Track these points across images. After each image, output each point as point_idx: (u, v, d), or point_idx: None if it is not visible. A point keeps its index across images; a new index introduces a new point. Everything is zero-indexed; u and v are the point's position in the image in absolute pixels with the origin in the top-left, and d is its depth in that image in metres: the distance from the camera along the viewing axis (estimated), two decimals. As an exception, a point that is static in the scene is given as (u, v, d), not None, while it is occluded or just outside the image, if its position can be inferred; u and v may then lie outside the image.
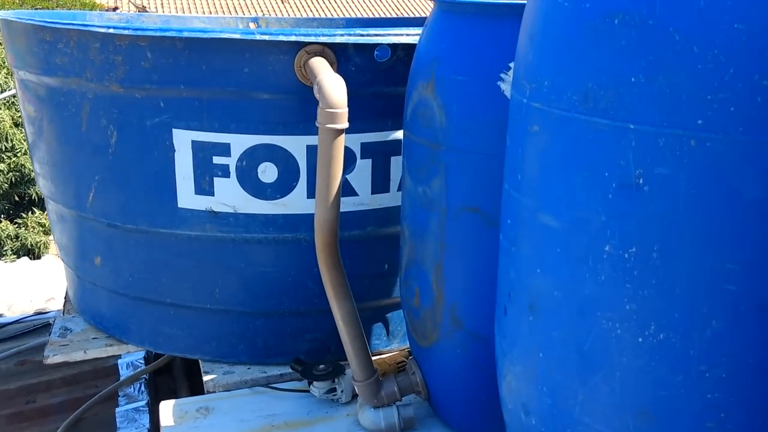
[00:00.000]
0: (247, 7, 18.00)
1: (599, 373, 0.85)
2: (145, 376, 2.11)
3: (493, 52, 1.30)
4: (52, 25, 1.69)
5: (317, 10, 18.60)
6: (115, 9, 16.10)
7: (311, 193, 1.71)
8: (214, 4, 17.85)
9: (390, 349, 2.00)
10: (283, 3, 18.34)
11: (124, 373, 2.13)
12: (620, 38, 0.76)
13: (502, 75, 1.29)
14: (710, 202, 0.73)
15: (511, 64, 1.28)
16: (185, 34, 1.58)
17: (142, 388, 2.03)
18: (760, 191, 0.71)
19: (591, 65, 0.80)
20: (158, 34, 1.59)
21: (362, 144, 1.75)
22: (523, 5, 1.23)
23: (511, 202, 0.97)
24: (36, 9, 13.95)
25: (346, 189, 1.73)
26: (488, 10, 1.31)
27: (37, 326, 2.98)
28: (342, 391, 1.73)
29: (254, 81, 1.64)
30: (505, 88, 1.29)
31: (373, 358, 1.71)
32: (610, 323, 0.83)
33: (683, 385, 0.80)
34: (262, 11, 18.00)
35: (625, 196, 0.78)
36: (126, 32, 1.60)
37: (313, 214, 1.60)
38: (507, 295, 1.00)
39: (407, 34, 1.67)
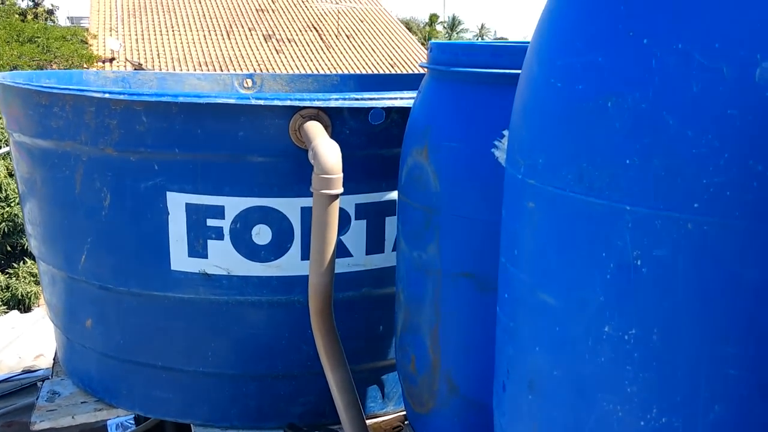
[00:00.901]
0: (242, 58, 18.26)
1: (601, 456, 0.83)
2: (134, 439, 2.06)
3: (487, 120, 1.31)
4: (48, 90, 1.70)
5: (311, 61, 18.87)
6: (111, 60, 16.29)
7: (305, 255, 1.70)
8: (210, 54, 18.10)
9: (385, 411, 1.96)
10: (278, 53, 18.60)
11: (114, 435, 2.08)
12: (614, 120, 0.77)
13: (496, 143, 1.30)
14: (709, 286, 0.73)
15: (505, 132, 1.29)
16: (181, 99, 1.59)
17: (132, 451, 1.99)
18: (758, 275, 0.71)
19: (585, 145, 0.80)
20: (153, 99, 1.60)
21: (357, 205, 1.75)
22: (513, 75, 1.24)
23: (508, 277, 0.97)
24: (34, 60, 14.11)
25: (341, 250, 1.73)
26: (480, 79, 1.32)
27: (25, 386, 2.94)
28: (336, 458, 1.70)
29: (249, 144, 1.64)
30: (499, 155, 1.29)
31: (369, 422, 1.68)
32: (612, 405, 0.81)
33: (687, 469, 0.78)
34: (257, 61, 18.24)
35: (624, 278, 0.77)
36: (121, 97, 1.61)
37: (307, 276, 1.59)
38: (506, 372, 0.98)
39: (401, 98, 1.68)
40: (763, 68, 0.68)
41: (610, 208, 0.78)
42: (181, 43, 18.54)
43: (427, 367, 1.46)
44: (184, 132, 1.64)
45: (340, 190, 1.49)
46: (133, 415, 2.13)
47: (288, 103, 1.59)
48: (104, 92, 1.63)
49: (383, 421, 1.82)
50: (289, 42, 19.64)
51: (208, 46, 18.58)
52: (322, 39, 20.18)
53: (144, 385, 1.91)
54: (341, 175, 1.48)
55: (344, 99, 1.63)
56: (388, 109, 1.68)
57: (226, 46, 18.72)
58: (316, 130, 1.55)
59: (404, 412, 1.82)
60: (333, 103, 1.61)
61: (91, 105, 1.66)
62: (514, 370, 0.96)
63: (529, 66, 0.93)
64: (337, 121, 1.65)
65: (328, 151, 1.48)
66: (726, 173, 0.70)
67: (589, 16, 0.82)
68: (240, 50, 18.70)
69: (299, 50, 19.38)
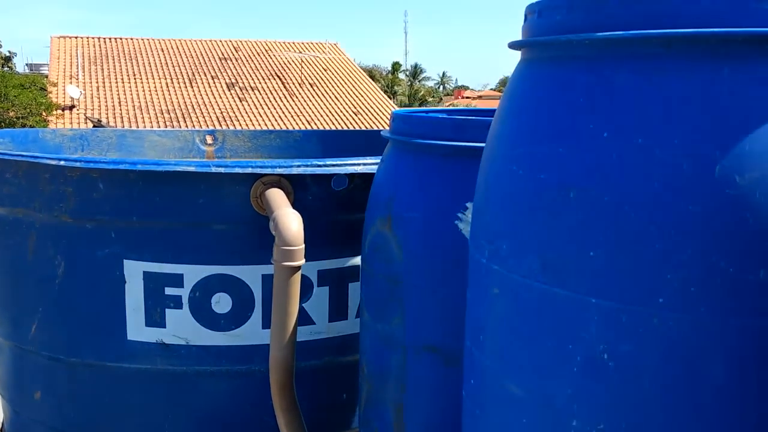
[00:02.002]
0: (205, 106, 18.24)
1: None
2: None
3: (450, 192, 1.31)
4: (0, 156, 1.65)
5: (274, 109, 18.93)
6: (71, 108, 16.12)
7: (267, 324, 1.66)
8: (172, 102, 18.05)
9: (349, 482, 1.91)
10: (241, 101, 18.64)
11: None
12: (577, 212, 0.76)
13: (460, 215, 1.29)
14: (676, 382, 0.72)
15: (468, 204, 1.28)
16: (139, 167, 1.56)
17: None
18: (724, 371, 0.70)
19: (548, 235, 0.79)
20: (111, 166, 1.57)
21: (319, 271, 1.72)
22: (477, 148, 1.24)
23: (473, 362, 0.95)
24: (-9, 108, 13.87)
25: (303, 318, 1.69)
26: (442, 151, 1.32)
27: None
28: None
29: (209, 212, 1.62)
30: (463, 227, 1.29)
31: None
32: (580, 501, 0.79)
33: None
34: (219, 109, 18.24)
35: (591, 371, 0.76)
36: (78, 165, 1.57)
37: (268, 345, 1.55)
38: (472, 460, 0.95)
39: (364, 164, 1.67)
40: (723, 165, 0.69)
41: (576, 300, 0.77)
42: (143, 90, 18.48)
43: (392, 442, 1.42)
44: (142, 199, 1.61)
45: (302, 261, 1.46)
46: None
47: (249, 170, 1.57)
48: (60, 159, 1.59)
49: (347, 493, 1.77)
50: (253, 90, 19.72)
51: (170, 94, 18.55)
52: (285, 87, 20.31)
53: (96, 461, 1.82)
54: (303, 246, 1.46)
55: (306, 166, 1.61)
56: (351, 175, 1.67)
57: (188, 94, 18.71)
58: (277, 199, 1.53)
59: (369, 484, 1.77)
60: (295, 170, 1.60)
61: (46, 172, 1.62)
62: (481, 460, 0.93)
63: (491, 150, 0.93)
64: (299, 188, 1.64)
65: (289, 222, 1.45)
66: (690, 269, 0.70)
67: (549, 105, 0.82)
68: (203, 98, 18.70)
69: (263, 98, 19.46)
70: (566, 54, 0.80)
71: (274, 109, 18.99)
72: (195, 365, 1.70)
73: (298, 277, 1.46)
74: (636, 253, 0.72)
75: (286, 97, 19.73)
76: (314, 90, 20.55)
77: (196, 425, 1.75)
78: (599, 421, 0.76)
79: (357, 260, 1.74)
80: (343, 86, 21.11)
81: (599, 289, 0.75)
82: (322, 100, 20.04)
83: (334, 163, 1.65)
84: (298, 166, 1.61)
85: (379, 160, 1.57)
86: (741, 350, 0.69)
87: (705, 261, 0.69)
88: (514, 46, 0.90)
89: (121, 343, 1.69)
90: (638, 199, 0.72)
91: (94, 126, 14.71)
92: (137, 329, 1.68)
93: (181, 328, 1.67)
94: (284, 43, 23.00)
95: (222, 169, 1.56)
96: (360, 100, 20.50)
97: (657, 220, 0.71)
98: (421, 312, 1.35)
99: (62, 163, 1.58)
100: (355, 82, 21.54)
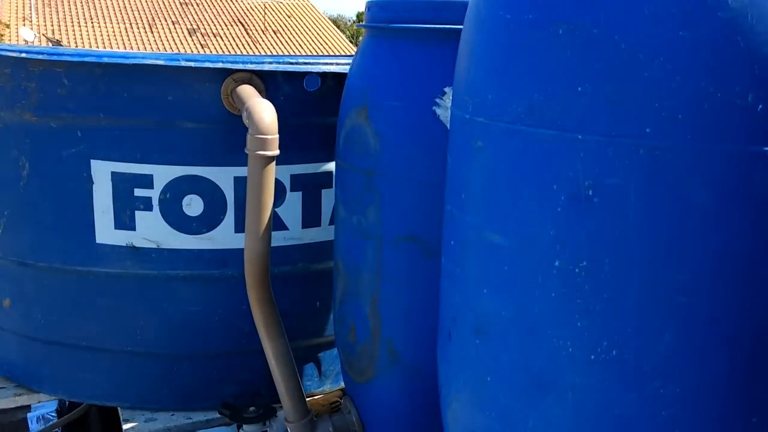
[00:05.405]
0: (165, 52, 17.77)
1: (550, 395, 0.82)
2: (57, 430, 1.95)
3: (428, 77, 1.29)
4: (-42, 50, 1.58)
5: (238, 55, 18.52)
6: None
7: (239, 227, 1.65)
8: (131, 48, 17.55)
9: (322, 390, 1.92)
10: (203, 48, 18.23)
11: (34, 427, 1.97)
12: (565, 48, 0.75)
13: (437, 100, 1.28)
14: (660, 212, 0.72)
15: (446, 89, 1.27)
16: (105, 60, 1.51)
17: (54, 442, 1.88)
18: (709, 199, 0.71)
19: (536, 76, 0.79)
20: (76, 59, 1.51)
21: (292, 176, 1.70)
22: (455, 30, 1.22)
23: (454, 223, 0.94)
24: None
25: (276, 222, 1.67)
26: (420, 35, 1.30)
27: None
28: (274, 434, 1.65)
29: (179, 109, 1.58)
30: (441, 113, 1.28)
31: (307, 399, 1.64)
32: (561, 341, 0.80)
33: (637, 402, 0.77)
34: (181, 55, 17.80)
35: (575, 209, 0.76)
36: (40, 57, 1.52)
37: (241, 249, 1.54)
38: (451, 320, 0.96)
39: (337, 63, 1.65)
40: (713, -11, 0.68)
41: (562, 139, 0.76)
42: (101, 35, 17.91)
43: (367, 334, 1.43)
44: (109, 96, 1.56)
45: (277, 151, 1.44)
46: (56, 406, 2.02)
47: (220, 65, 1.54)
48: (21, 51, 1.53)
49: (321, 397, 1.78)
50: (215, 36, 19.26)
51: (129, 40, 18.02)
52: (248, 34, 19.88)
53: (67, 368, 1.80)
54: (277, 135, 1.44)
55: (278, 63, 1.58)
56: (324, 75, 1.64)
57: (148, 40, 18.20)
58: (249, 92, 1.50)
59: (343, 388, 1.79)
60: (267, 67, 1.56)
61: (6, 66, 1.56)
62: (460, 318, 0.94)
63: (476, 5, 0.91)
64: (271, 86, 1.60)
65: (263, 111, 1.42)
66: (678, 96, 0.70)
67: (537, -54, 0.80)
68: (163, 44, 18.22)
69: (225, 45, 19.03)
70: None
71: (238, 56, 18.59)
72: (166, 269, 1.68)
73: (272, 168, 1.44)
74: (624, 84, 0.72)
75: (249, 44, 19.33)
76: (278, 38, 20.16)
77: (167, 330, 1.74)
78: (582, 258, 0.77)
79: (330, 166, 1.72)
80: (307, 34, 20.74)
81: (586, 125, 0.74)
82: (286, 49, 19.68)
83: (307, 61, 1.62)
84: (270, 62, 1.57)
85: (351, 61, 1.54)
86: (726, 177, 0.70)
87: (694, 87, 0.69)
88: None
89: (90, 246, 1.66)
90: (628, 28, 0.71)
91: (52, 45, 14.24)
92: (106, 232, 1.65)
93: (152, 230, 1.64)
94: (247, -12, 22.41)
95: (192, 64, 1.52)
96: (325, 48, 20.19)
97: (647, 48, 0.70)
98: (398, 202, 1.34)
99: (24, 55, 1.52)
100: (320, 30, 21.17)
